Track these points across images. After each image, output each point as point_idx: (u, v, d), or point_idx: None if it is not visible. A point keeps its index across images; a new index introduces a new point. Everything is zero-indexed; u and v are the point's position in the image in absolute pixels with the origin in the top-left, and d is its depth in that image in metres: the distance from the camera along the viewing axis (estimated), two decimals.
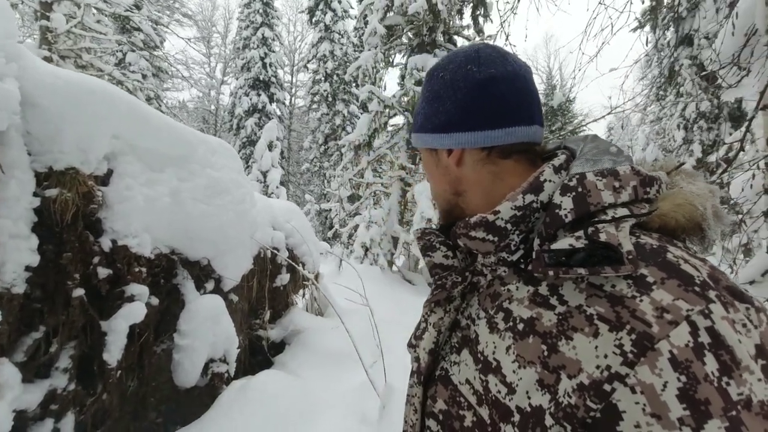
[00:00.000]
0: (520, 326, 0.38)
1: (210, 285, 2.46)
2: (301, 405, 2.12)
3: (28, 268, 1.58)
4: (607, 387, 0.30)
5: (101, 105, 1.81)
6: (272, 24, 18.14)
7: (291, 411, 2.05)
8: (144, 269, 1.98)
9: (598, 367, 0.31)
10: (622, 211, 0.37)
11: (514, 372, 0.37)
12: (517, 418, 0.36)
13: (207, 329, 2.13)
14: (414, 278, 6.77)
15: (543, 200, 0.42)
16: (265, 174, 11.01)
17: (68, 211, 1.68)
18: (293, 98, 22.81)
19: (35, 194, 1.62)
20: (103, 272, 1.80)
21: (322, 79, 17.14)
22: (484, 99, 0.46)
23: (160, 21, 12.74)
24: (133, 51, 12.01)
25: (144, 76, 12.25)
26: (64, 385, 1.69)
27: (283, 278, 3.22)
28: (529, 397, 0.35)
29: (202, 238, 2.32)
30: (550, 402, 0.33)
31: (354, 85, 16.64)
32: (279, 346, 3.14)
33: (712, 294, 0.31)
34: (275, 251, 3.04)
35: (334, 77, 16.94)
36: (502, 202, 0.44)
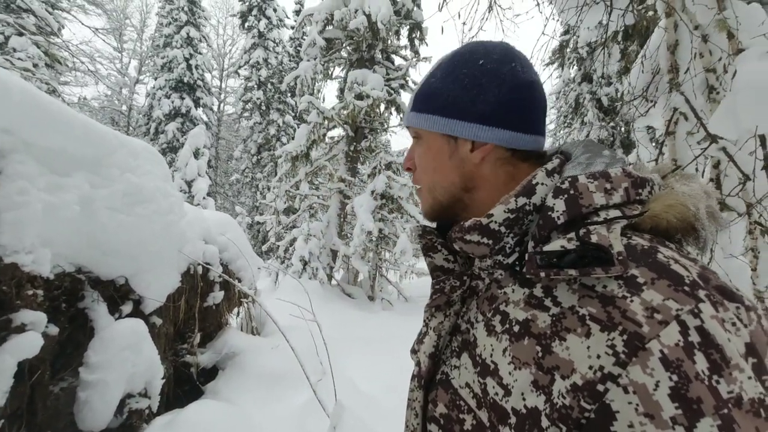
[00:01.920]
0: (516, 328, 0.38)
1: (127, 308, 2.13)
2: None
3: None
4: (600, 387, 0.31)
5: None
6: (199, 24, 17.00)
7: None
8: (40, 292, 1.64)
9: (591, 367, 0.31)
10: (613, 213, 0.38)
11: (510, 374, 0.37)
12: (513, 420, 0.36)
13: (125, 359, 1.83)
14: (354, 292, 6.69)
15: (536, 203, 0.43)
16: (190, 183, 10.07)
17: None
18: (222, 104, 21.49)
19: None
20: None
21: (255, 86, 16.46)
22: (527, 102, 0.48)
23: (58, 5, 11.08)
24: (22, 35, 10.21)
25: (35, 65, 10.45)
26: None
27: (216, 296, 2.93)
28: (524, 399, 0.35)
29: (119, 253, 2.01)
30: (545, 403, 0.33)
31: (290, 94, 16.26)
32: (211, 372, 2.82)
33: (701, 293, 0.31)
34: (207, 266, 2.76)
35: (269, 85, 16.38)
36: (495, 206, 0.45)
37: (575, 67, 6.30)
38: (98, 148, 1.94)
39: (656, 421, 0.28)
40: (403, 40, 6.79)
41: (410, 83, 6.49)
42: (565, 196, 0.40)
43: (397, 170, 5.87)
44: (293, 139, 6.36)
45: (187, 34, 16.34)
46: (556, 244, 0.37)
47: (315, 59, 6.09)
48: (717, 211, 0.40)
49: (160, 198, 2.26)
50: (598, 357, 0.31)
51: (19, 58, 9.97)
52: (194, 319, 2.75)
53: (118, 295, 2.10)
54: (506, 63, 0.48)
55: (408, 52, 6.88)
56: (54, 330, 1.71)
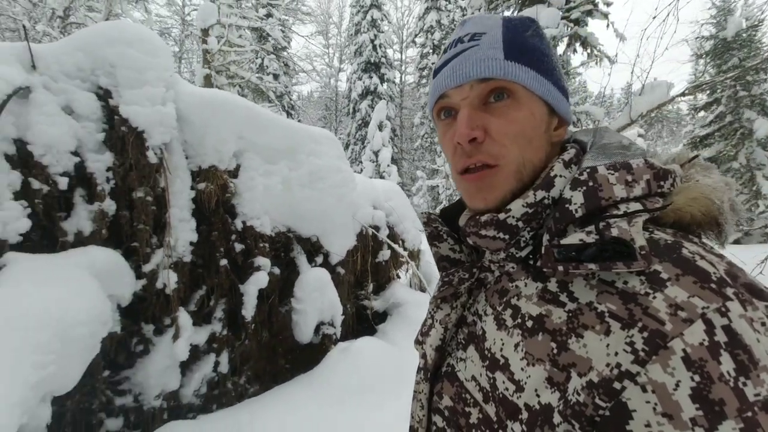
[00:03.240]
0: (529, 323, 0.37)
1: (319, 259, 2.83)
2: (394, 371, 2.32)
3: (192, 243, 2.12)
4: (616, 385, 0.30)
5: (228, 113, 2.23)
6: (380, 4, 18.40)
7: (384, 375, 2.25)
8: (267, 245, 2.43)
9: (608, 365, 0.30)
10: (634, 206, 0.36)
11: (522, 369, 0.36)
12: (525, 415, 0.35)
13: (315, 297, 2.49)
14: None
15: (554, 196, 0.42)
16: (376, 153, 11.67)
17: (212, 199, 2.17)
18: (403, 75, 22.99)
19: (192, 188, 2.15)
20: (238, 247, 2.28)
21: (430, 51, 16.75)
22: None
23: (287, 24, 14.45)
24: (268, 55, 14.07)
25: (276, 76, 14.25)
26: (220, 330, 2.25)
27: (384, 254, 3.45)
28: (538, 395, 0.35)
29: (310, 219, 2.68)
30: (559, 400, 0.33)
31: None
32: (382, 316, 3.42)
33: (729, 291, 0.29)
34: (376, 229, 3.27)
35: (442, 48, 16.33)
36: (513, 200, 0.43)
37: None
38: (292, 140, 2.58)
39: (675, 421, 0.27)
40: None
41: (601, 4, 5.03)
42: (584, 188, 0.38)
43: (577, 121, 4.85)
44: None
45: (371, 17, 18.05)
46: (574, 238, 0.35)
47: (479, 9, 5.64)
48: (738, 203, 0.38)
49: (334, 174, 2.81)
50: (616, 354, 0.30)
51: (267, 73, 13.88)
52: (368, 272, 3.35)
53: (313, 249, 2.82)
54: None
55: None
56: (276, 271, 2.51)
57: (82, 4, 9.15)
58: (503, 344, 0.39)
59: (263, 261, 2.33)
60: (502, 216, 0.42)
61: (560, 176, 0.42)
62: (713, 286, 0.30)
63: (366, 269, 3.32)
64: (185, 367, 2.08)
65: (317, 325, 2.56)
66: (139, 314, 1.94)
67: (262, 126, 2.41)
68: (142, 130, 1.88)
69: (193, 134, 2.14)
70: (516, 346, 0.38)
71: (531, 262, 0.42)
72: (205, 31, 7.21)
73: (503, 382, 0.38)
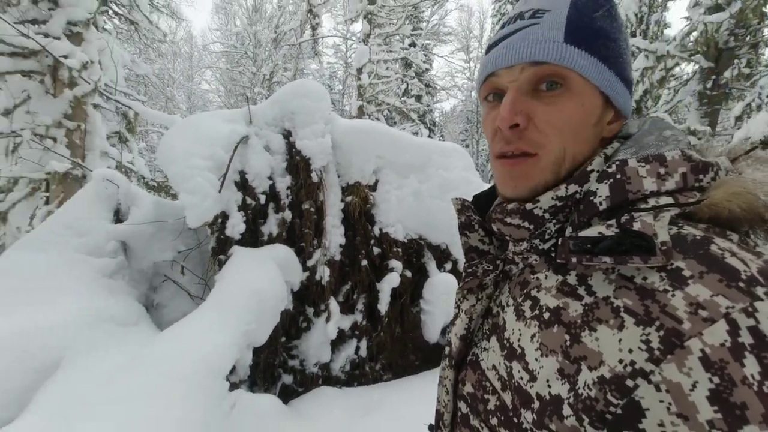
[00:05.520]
0: (546, 315, 0.38)
1: (448, 266, 2.98)
2: None
3: (341, 245, 2.61)
4: (629, 383, 0.29)
5: (370, 139, 2.67)
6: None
7: None
8: (400, 250, 2.74)
9: (621, 361, 0.30)
10: (665, 200, 0.35)
11: (536, 360, 0.37)
12: (536, 405, 0.36)
13: (443, 300, 2.64)
14: None
15: (586, 191, 0.40)
16: None
17: (356, 209, 2.63)
18: None
19: (342, 200, 2.66)
20: (375, 250, 2.67)
21: None
22: None
23: (428, 47, 15.43)
24: (411, 79, 15.30)
25: (419, 97, 15.31)
26: (360, 320, 2.67)
27: None
28: (549, 386, 0.35)
29: (439, 227, 2.87)
30: (569, 392, 0.33)
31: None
32: None
33: (760, 291, 0.27)
34: None
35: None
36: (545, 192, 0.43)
37: None
38: (422, 156, 2.85)
39: (690, 422, 0.26)
40: None
41: None
42: (611, 180, 0.37)
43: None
44: None
45: None
46: (593, 230, 0.35)
47: None
48: None
49: (462, 185, 2.93)
50: (630, 351, 0.30)
51: (411, 96, 15.10)
52: None
53: (443, 256, 2.99)
54: None
55: None
56: (408, 273, 2.79)
57: (280, 67, 12.20)
58: (521, 335, 0.40)
59: (396, 263, 2.64)
60: (529, 206, 0.42)
61: (597, 171, 0.40)
62: (741, 285, 0.28)
63: None
64: (334, 345, 2.55)
65: (443, 328, 2.70)
66: (304, 298, 2.51)
67: (397, 145, 2.77)
68: (309, 158, 2.48)
69: (343, 157, 2.65)
70: (532, 336, 0.38)
71: (553, 255, 0.41)
72: (359, 70, 8.49)
73: (518, 371, 0.39)
